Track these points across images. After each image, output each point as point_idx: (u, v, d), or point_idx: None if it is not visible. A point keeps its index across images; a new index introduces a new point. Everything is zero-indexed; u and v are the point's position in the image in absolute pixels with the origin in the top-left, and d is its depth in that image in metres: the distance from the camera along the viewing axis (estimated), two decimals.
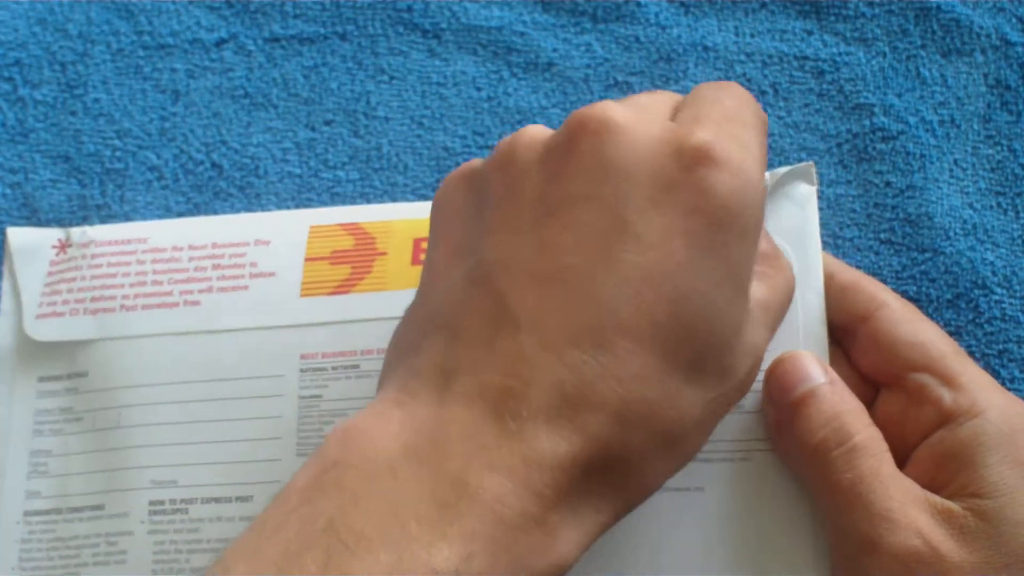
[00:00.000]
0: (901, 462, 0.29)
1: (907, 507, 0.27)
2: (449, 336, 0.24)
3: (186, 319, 0.33)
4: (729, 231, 0.24)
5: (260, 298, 0.34)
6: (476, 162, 0.27)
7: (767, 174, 0.31)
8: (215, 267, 0.34)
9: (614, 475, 0.23)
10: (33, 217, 0.39)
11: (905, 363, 0.29)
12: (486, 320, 0.24)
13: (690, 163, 0.24)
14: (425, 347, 0.24)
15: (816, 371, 0.29)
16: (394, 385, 0.24)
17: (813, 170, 0.32)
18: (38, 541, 0.32)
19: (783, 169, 0.32)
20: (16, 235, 0.35)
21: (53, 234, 0.35)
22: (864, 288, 0.31)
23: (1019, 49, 0.38)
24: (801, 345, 0.30)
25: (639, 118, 0.25)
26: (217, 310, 0.33)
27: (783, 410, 0.29)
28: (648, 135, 0.24)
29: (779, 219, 0.31)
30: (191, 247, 0.34)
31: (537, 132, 0.26)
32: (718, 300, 0.24)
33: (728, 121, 0.25)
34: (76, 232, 0.35)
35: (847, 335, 0.31)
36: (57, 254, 0.34)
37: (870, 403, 0.30)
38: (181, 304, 0.33)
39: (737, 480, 0.30)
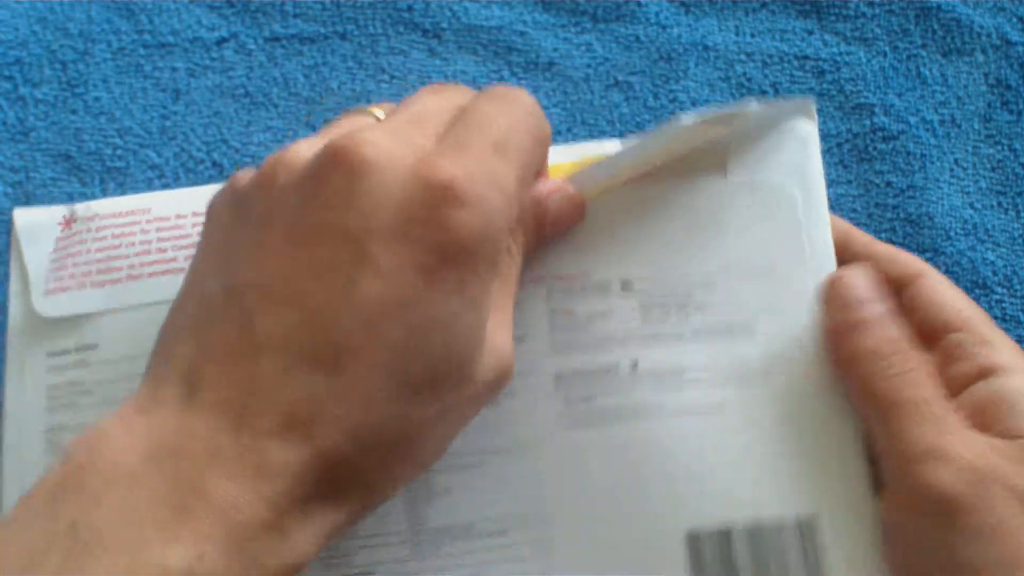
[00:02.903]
0: None
1: (966, 431, 0.28)
2: (197, 348, 0.25)
3: None
4: (465, 266, 0.25)
5: None
6: (246, 174, 0.28)
7: (757, 105, 0.31)
8: None
9: (348, 484, 0.25)
10: None
11: (944, 325, 0.31)
12: (232, 338, 0.25)
13: (434, 200, 0.25)
14: (176, 355, 0.26)
15: (878, 293, 0.30)
16: (145, 389, 0.26)
17: (812, 106, 0.32)
18: None
19: (779, 101, 0.32)
20: (21, 215, 0.35)
21: (58, 211, 0.35)
22: (903, 259, 0.32)
23: (1019, 49, 0.38)
24: (809, 282, 0.31)
25: (392, 151, 0.26)
26: None
27: (846, 323, 0.30)
28: (400, 170, 0.25)
29: (781, 156, 0.32)
30: (194, 214, 0.34)
31: (298, 154, 0.27)
32: (454, 328, 0.25)
33: (488, 149, 0.26)
34: (80, 207, 0.35)
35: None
36: (62, 230, 0.35)
37: None
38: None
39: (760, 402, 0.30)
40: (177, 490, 0.23)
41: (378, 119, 0.29)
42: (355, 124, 0.28)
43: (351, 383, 0.24)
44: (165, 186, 0.40)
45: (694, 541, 0.29)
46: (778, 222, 0.31)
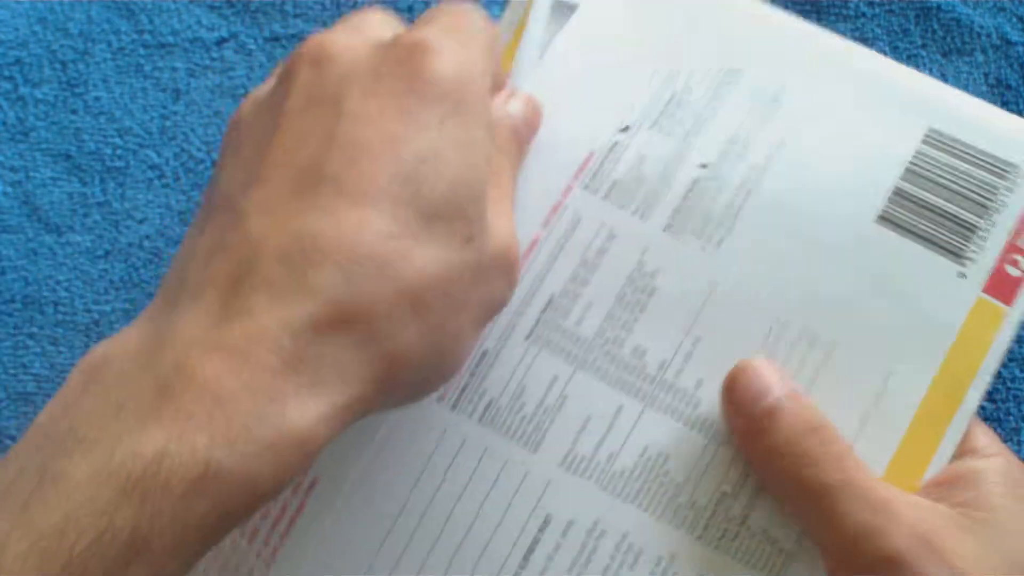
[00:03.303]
0: None
1: (906, 501, 0.28)
2: (190, 251, 0.26)
3: None
4: (444, 106, 0.26)
5: None
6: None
7: None
8: None
9: (355, 335, 0.24)
10: (34, 215, 0.39)
11: None
12: (220, 224, 0.25)
13: (406, 55, 0.26)
14: (174, 261, 0.26)
15: (776, 382, 0.30)
16: (147, 309, 0.26)
17: None
18: None
19: None
20: None
21: None
22: None
23: (1019, 49, 0.38)
24: None
25: (353, 40, 0.27)
26: None
27: (752, 419, 0.30)
28: (364, 48, 0.27)
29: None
30: None
31: (263, 87, 0.29)
32: (440, 164, 0.25)
33: (449, 26, 0.27)
34: None
35: None
36: None
37: None
38: None
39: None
40: (160, 374, 0.22)
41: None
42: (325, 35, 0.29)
43: (341, 220, 0.24)
44: (165, 186, 0.40)
45: None
46: None
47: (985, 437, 0.30)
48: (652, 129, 0.33)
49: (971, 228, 0.32)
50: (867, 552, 0.27)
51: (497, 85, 0.30)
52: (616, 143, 0.33)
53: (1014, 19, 0.38)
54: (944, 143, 0.33)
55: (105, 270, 0.39)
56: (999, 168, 0.32)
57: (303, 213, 0.24)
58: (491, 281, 0.27)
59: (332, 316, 0.23)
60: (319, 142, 0.25)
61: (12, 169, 0.40)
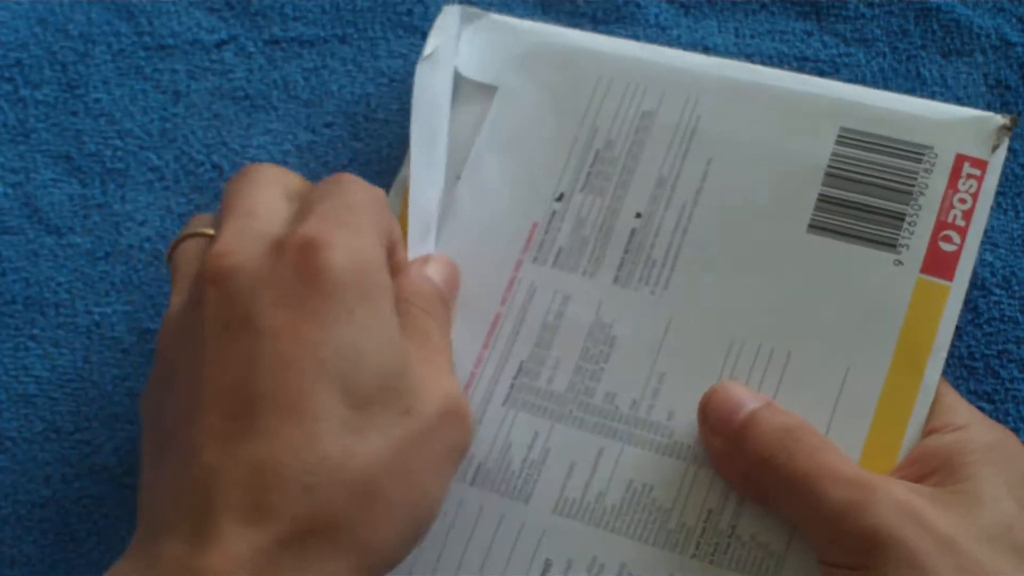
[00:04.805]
0: None
1: (884, 479, 0.29)
2: (156, 483, 0.28)
3: None
4: (348, 295, 0.27)
5: None
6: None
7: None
8: None
9: (327, 542, 0.26)
10: (34, 216, 0.39)
11: None
12: (177, 458, 0.27)
13: (301, 258, 0.27)
14: (142, 491, 0.29)
15: (748, 396, 0.31)
16: (135, 536, 0.28)
17: None
18: None
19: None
20: None
21: None
22: None
23: (1019, 49, 0.38)
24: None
25: (246, 249, 0.29)
26: None
27: (728, 437, 0.31)
28: (260, 256, 0.28)
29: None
30: None
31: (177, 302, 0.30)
32: (359, 355, 0.27)
33: (335, 212, 0.29)
34: None
35: None
36: None
37: None
38: None
39: None
40: None
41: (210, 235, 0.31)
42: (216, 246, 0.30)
43: (281, 434, 0.26)
44: (165, 189, 0.40)
45: None
46: None
47: (957, 410, 0.31)
48: (584, 191, 0.35)
49: (899, 217, 0.33)
50: (852, 528, 0.27)
51: (393, 244, 0.31)
52: (554, 212, 0.35)
53: (1013, 20, 0.38)
54: (858, 140, 0.34)
55: (106, 272, 0.39)
56: (913, 152, 0.33)
57: (250, 441, 0.26)
58: (445, 435, 0.29)
59: (298, 531, 0.25)
60: (245, 364, 0.27)
61: (13, 171, 0.40)
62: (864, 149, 0.34)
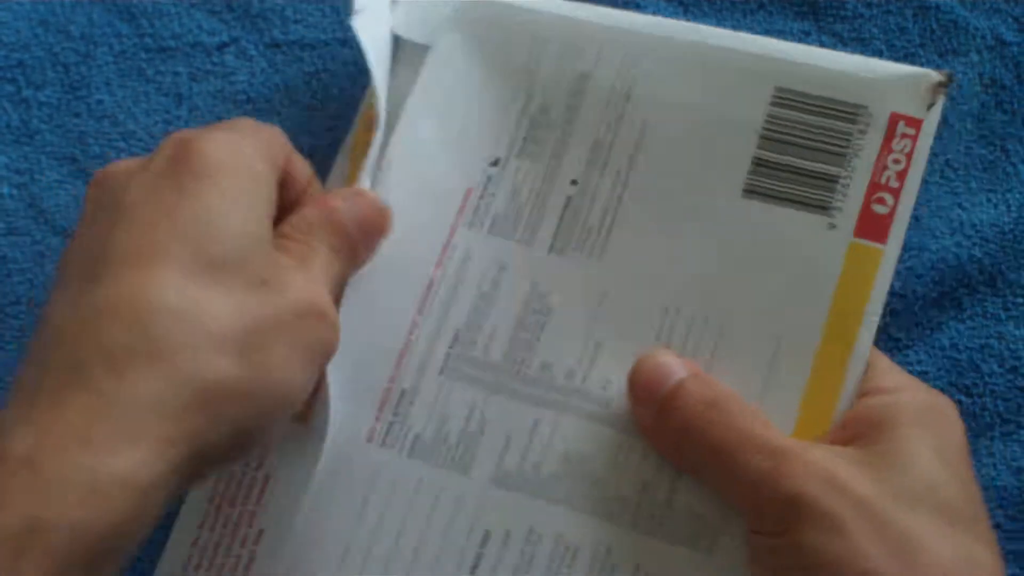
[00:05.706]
0: None
1: (803, 446, 0.29)
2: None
3: None
4: (217, 175, 0.28)
5: None
6: None
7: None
8: None
9: (161, 372, 0.25)
10: (40, 217, 0.40)
11: None
12: (35, 335, 0.28)
13: (179, 148, 0.29)
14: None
15: (677, 365, 0.31)
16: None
17: None
18: None
19: None
20: None
21: None
22: None
23: (1014, 49, 0.38)
24: None
25: (130, 160, 0.30)
26: None
27: (655, 409, 0.31)
28: (139, 161, 0.29)
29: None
30: None
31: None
32: (216, 222, 0.27)
33: (219, 126, 0.31)
34: None
35: None
36: None
37: None
38: None
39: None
40: None
41: None
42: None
43: (129, 283, 0.26)
44: None
45: None
46: None
47: (890, 375, 0.31)
48: (520, 157, 0.35)
49: (832, 179, 0.33)
50: (771, 495, 0.28)
51: (300, 180, 0.32)
52: (490, 177, 0.35)
53: (1009, 20, 0.38)
54: (792, 100, 0.33)
55: None
56: (848, 113, 0.33)
57: (91, 292, 0.26)
58: (307, 326, 0.28)
59: (128, 359, 0.25)
60: (104, 234, 0.27)
61: (18, 171, 0.40)
62: (798, 110, 0.33)
